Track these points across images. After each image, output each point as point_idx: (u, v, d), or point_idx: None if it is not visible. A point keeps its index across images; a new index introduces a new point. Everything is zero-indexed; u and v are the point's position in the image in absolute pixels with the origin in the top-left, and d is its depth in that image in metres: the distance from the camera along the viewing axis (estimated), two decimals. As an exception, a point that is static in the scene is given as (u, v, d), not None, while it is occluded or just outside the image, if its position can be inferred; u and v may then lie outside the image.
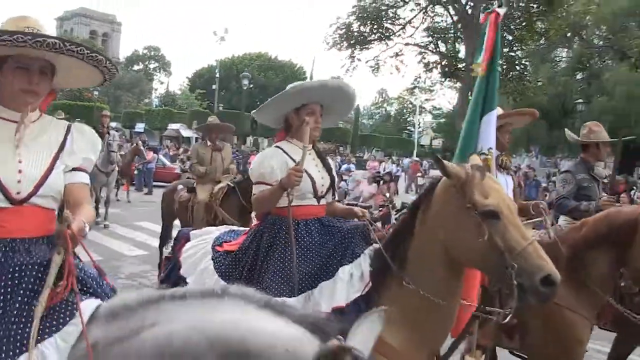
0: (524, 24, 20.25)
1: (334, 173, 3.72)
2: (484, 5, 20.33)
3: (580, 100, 31.07)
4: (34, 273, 2.15)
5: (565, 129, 5.90)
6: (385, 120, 78.74)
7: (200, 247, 3.65)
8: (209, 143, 8.73)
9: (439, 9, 21.49)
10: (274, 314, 1.78)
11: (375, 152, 52.34)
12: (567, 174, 5.31)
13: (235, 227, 3.99)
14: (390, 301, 2.85)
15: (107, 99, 60.99)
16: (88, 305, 2.09)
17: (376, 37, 21.70)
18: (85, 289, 2.23)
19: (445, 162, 2.87)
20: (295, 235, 3.25)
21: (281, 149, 3.48)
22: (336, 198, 3.84)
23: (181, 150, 33.01)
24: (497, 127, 4.31)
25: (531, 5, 19.97)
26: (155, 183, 21.73)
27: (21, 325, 2.02)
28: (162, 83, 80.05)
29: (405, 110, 73.17)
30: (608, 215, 3.94)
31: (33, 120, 2.32)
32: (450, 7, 20.54)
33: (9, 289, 2.10)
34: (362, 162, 35.15)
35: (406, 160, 39.68)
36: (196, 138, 45.09)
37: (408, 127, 72.66)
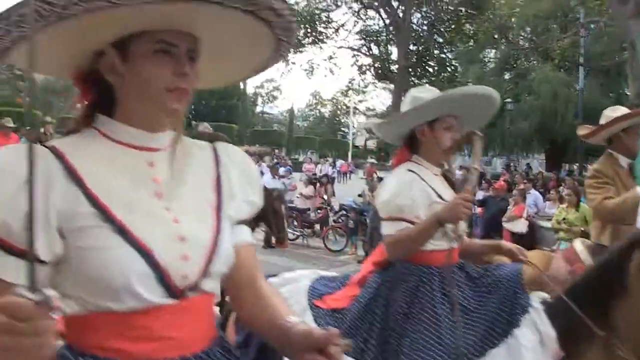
0: (453, 26, 20.76)
1: None
2: (414, 8, 20.75)
3: (509, 100, 32.15)
4: None
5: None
6: (319, 122, 79.05)
7: (291, 302, 2.69)
8: None
9: (371, 12, 21.83)
10: None
11: (311, 154, 52.57)
12: None
13: (324, 273, 3.06)
14: None
15: (38, 104, 58.93)
16: None
17: (310, 41, 21.82)
18: None
19: None
20: (441, 287, 2.54)
21: (415, 173, 2.69)
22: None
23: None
24: (623, 128, 3.81)
25: (460, 8, 20.50)
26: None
27: None
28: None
29: (339, 112, 73.68)
30: None
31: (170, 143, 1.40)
32: (382, 10, 20.89)
33: None
34: (297, 164, 35.19)
35: (339, 162, 40.09)
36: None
37: (342, 129, 73.21)
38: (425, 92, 2.77)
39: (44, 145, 1.21)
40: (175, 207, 1.30)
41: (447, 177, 2.85)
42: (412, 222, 2.57)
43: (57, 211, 1.17)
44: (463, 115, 2.75)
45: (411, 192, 2.60)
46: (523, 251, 2.79)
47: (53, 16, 1.07)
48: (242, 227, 1.47)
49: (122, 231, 1.19)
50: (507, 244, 2.94)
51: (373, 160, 38.46)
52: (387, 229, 2.65)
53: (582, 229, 8.98)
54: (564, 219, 9.29)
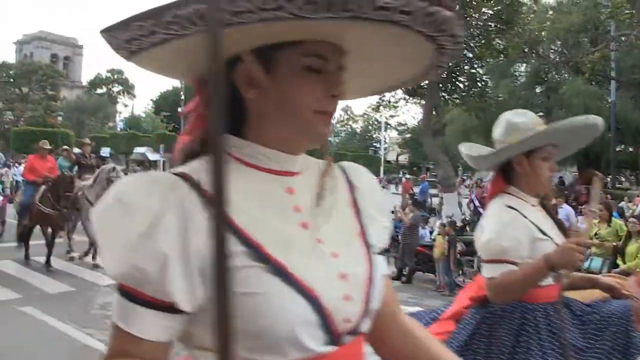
0: (483, 42, 20.76)
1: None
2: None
3: (541, 113, 31.93)
4: None
5: None
6: (351, 137, 79.27)
7: None
8: None
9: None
10: None
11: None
12: None
13: (407, 309, 2.80)
14: None
15: (70, 123, 60.58)
16: None
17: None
18: None
19: None
20: (547, 325, 2.38)
21: (515, 209, 2.49)
22: None
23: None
24: None
25: (489, 24, 20.52)
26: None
27: None
28: (126, 106, 79.82)
29: (370, 127, 73.76)
30: None
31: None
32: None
33: None
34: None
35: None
36: (164, 162, 45.04)
37: (374, 144, 73.32)
38: (520, 117, 2.62)
39: (173, 173, 1.05)
40: (326, 239, 1.11)
41: (546, 207, 2.67)
42: (514, 263, 2.39)
43: (198, 251, 0.96)
44: (562, 142, 2.61)
45: (514, 232, 2.41)
46: (624, 285, 2.62)
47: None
48: (379, 256, 1.26)
49: (281, 272, 1.00)
50: (604, 278, 2.78)
51: (408, 176, 38.53)
52: (490, 271, 2.44)
53: (615, 243, 8.97)
54: (595, 234, 9.27)
